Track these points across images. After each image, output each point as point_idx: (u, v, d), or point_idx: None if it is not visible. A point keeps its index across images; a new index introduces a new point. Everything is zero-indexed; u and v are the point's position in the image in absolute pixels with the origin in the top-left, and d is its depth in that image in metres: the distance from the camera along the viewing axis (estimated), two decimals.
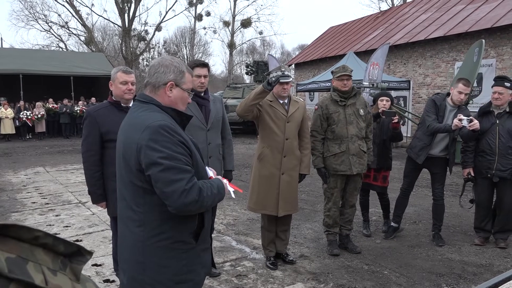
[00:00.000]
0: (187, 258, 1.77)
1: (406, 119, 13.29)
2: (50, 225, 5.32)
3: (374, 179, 4.90)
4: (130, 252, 1.76)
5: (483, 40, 9.33)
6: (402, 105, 15.11)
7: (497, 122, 4.46)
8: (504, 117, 4.46)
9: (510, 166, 4.38)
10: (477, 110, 4.81)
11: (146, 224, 1.71)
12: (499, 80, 4.51)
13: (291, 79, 3.83)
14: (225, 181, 1.92)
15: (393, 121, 4.67)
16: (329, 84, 13.18)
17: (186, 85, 1.84)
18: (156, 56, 47.78)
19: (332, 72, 4.36)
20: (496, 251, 4.41)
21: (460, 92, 4.42)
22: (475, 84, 10.50)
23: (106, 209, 3.31)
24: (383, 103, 4.84)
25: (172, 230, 1.72)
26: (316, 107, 4.32)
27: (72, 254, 0.62)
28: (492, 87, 4.57)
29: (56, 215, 5.77)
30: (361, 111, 4.26)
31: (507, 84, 4.43)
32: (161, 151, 1.63)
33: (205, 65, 3.51)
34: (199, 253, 1.82)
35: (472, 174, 4.60)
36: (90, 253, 0.65)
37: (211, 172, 1.91)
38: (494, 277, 1.31)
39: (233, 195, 2.00)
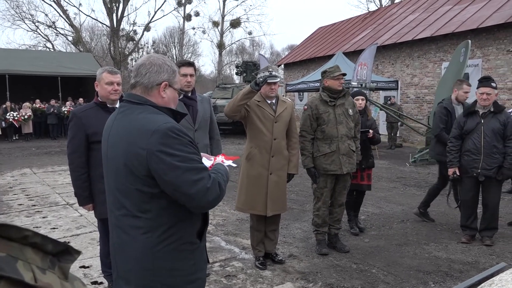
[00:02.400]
0: (194, 258, 1.76)
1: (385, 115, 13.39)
2: (37, 227, 5.26)
3: (362, 179, 4.97)
4: (136, 261, 1.68)
5: (469, 41, 9.46)
6: (399, 103, 15.22)
7: (482, 121, 4.52)
8: (489, 117, 4.51)
9: (495, 165, 4.45)
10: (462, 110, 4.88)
11: (153, 230, 1.65)
12: (486, 81, 4.56)
13: (278, 79, 3.84)
14: (220, 159, 1.91)
15: (368, 136, 4.88)
16: (319, 84, 13.26)
17: (177, 84, 1.80)
18: None
19: (325, 72, 4.36)
20: (482, 249, 4.47)
21: (466, 92, 5.13)
22: None
23: (93, 211, 3.28)
24: (359, 102, 4.92)
25: (180, 232, 1.69)
26: (305, 107, 4.33)
27: (60, 253, 0.64)
28: (478, 88, 4.61)
29: (43, 217, 5.70)
30: (350, 111, 4.31)
31: (494, 85, 4.50)
32: (176, 155, 1.58)
33: (191, 64, 3.49)
34: (202, 251, 1.83)
35: (458, 174, 4.66)
36: (78, 252, 0.67)
37: (208, 162, 1.87)
38: (479, 274, 1.33)
39: (234, 165, 1.98)
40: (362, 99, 4.99)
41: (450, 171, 4.72)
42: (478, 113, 4.57)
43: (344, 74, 4.28)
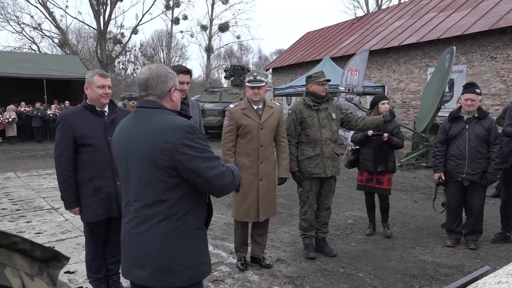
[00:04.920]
0: (203, 243, 2.01)
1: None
2: (21, 232, 5.17)
3: (378, 182, 4.92)
4: (155, 246, 1.88)
5: (454, 47, 9.62)
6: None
7: (467, 127, 4.58)
8: (473, 122, 4.57)
9: (479, 170, 4.50)
10: (447, 115, 4.94)
11: (170, 217, 1.87)
12: (470, 87, 4.61)
13: (263, 83, 3.85)
14: None
15: (384, 140, 4.79)
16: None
17: (178, 85, 2.12)
18: (133, 59, 47.25)
19: (309, 77, 4.41)
20: (467, 252, 4.53)
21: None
22: (446, 90, 10.81)
23: (79, 215, 3.24)
24: (385, 106, 4.94)
25: (192, 219, 1.93)
26: (290, 111, 4.38)
27: (49, 259, 0.63)
28: (462, 93, 4.66)
29: (27, 222, 5.61)
30: (333, 115, 4.37)
31: (478, 91, 4.55)
32: (197, 148, 1.86)
33: (188, 72, 3.50)
34: (207, 238, 2.09)
35: (443, 178, 4.71)
36: (66, 258, 0.66)
37: None
38: (464, 277, 1.34)
39: None
40: (388, 103, 4.99)
41: (436, 176, 4.77)
42: (462, 119, 4.63)
43: (328, 80, 4.33)
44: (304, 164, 4.26)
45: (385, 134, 4.77)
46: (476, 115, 4.59)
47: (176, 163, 1.83)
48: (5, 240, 0.57)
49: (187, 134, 1.85)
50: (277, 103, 4.36)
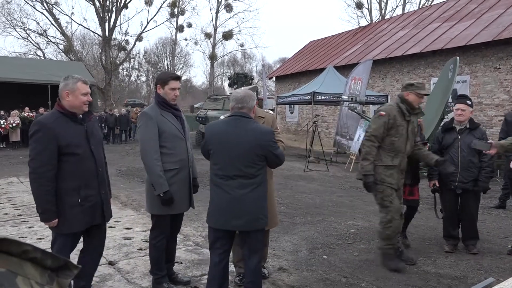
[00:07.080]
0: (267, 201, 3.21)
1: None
2: (22, 237, 5.16)
3: (410, 194, 4.95)
4: (252, 203, 2.99)
5: (458, 57, 9.63)
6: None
7: (459, 137, 4.76)
8: (465, 133, 4.77)
9: (471, 178, 4.67)
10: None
11: (260, 185, 3.04)
12: (461, 98, 4.89)
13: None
14: None
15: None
16: (309, 97, 13.31)
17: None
18: (137, 66, 47.55)
19: (411, 85, 4.30)
20: (470, 263, 4.50)
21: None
22: (450, 100, 10.80)
23: (55, 227, 3.03)
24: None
25: (267, 185, 3.17)
26: (383, 113, 4.20)
27: (59, 268, 0.63)
28: (454, 104, 4.93)
29: (29, 227, 5.60)
30: (416, 129, 4.43)
31: (469, 102, 4.78)
32: (275, 141, 3.10)
33: (179, 78, 3.60)
34: None
35: (437, 185, 4.87)
36: (77, 268, 0.66)
37: None
38: None
39: None
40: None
41: (430, 183, 4.96)
42: (455, 129, 4.84)
43: (427, 94, 4.38)
44: (379, 170, 4.16)
45: (428, 144, 4.97)
46: (468, 126, 4.80)
47: (267, 152, 3.01)
48: (17, 248, 0.57)
49: (272, 135, 3.09)
50: (270, 111, 4.30)
